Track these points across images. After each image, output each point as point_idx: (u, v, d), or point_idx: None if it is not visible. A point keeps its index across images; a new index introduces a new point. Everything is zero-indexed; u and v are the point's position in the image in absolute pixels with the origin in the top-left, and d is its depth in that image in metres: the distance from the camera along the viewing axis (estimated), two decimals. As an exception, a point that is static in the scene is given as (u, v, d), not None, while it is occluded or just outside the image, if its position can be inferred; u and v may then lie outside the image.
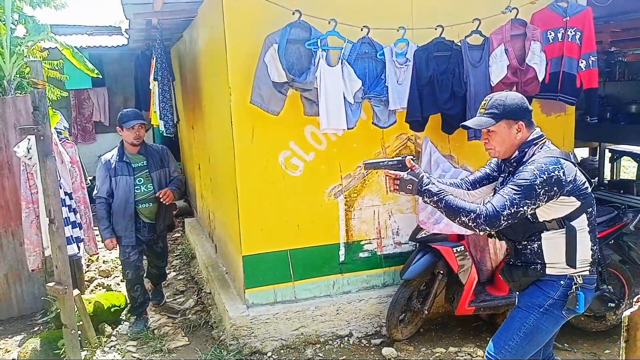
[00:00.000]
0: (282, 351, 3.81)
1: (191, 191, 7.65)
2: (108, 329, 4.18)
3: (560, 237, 2.29)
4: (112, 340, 4.08)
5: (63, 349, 3.56)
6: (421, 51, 3.74)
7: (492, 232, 2.29)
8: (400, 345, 3.80)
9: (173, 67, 6.17)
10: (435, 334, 4.00)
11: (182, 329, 4.22)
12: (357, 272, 4.12)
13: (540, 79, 3.96)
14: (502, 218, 2.16)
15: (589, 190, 2.28)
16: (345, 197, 3.99)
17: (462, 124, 2.58)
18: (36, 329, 4.46)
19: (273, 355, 3.77)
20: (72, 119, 9.50)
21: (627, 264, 4.06)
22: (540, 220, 2.29)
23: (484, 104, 2.41)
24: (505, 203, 2.16)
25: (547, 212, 2.26)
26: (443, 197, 2.26)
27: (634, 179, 8.54)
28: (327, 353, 3.80)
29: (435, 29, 3.79)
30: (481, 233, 2.24)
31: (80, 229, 4.12)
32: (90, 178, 6.20)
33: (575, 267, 2.31)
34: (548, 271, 2.35)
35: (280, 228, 3.87)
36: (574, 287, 2.31)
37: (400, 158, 2.60)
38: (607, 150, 8.76)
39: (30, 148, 3.49)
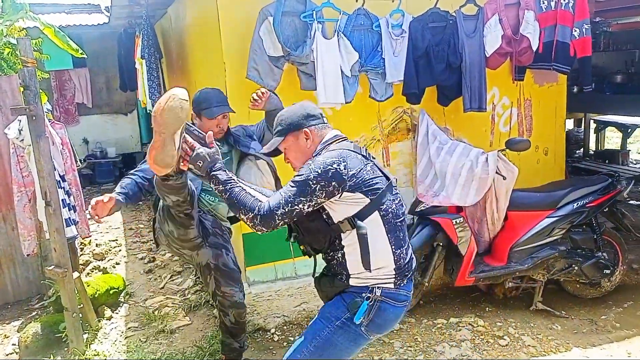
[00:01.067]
0: (285, 327, 3.83)
1: (181, 172, 7.56)
2: (108, 311, 4.15)
3: (357, 242, 2.04)
4: (112, 323, 4.06)
5: (65, 333, 3.53)
6: (416, 22, 3.70)
7: (267, 232, 1.99)
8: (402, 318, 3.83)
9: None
10: (435, 305, 4.05)
11: (183, 309, 4.20)
12: (355, 247, 4.12)
13: (534, 48, 3.96)
14: (276, 217, 1.93)
15: (381, 186, 2.02)
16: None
17: (262, 151, 2.48)
18: (34, 313, 4.41)
19: (276, 332, 3.78)
20: (54, 101, 9.27)
21: (620, 231, 4.14)
22: (335, 221, 2.04)
23: (274, 124, 2.25)
24: (280, 201, 1.95)
25: (337, 210, 2.02)
26: (230, 187, 1.99)
27: (619, 149, 8.68)
28: (329, 327, 3.83)
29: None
30: (259, 232, 1.98)
31: (75, 212, 4.05)
32: (80, 159, 6.08)
33: (371, 273, 2.05)
34: (351, 282, 2.07)
35: (278, 205, 3.85)
36: (363, 295, 2.03)
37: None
38: (592, 121, 8.88)
39: (21, 129, 3.40)
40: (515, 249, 3.83)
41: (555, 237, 3.83)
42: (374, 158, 2.16)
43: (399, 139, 4.11)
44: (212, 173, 2.01)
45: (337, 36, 3.52)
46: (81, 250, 5.42)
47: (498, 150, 3.71)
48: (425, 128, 3.90)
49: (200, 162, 2.02)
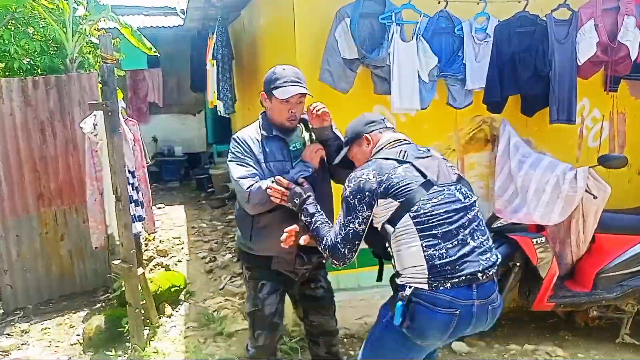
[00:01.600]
0: (345, 340, 3.68)
1: (244, 173, 7.59)
2: (168, 309, 4.17)
3: (396, 242, 2.03)
4: (172, 321, 4.06)
5: (127, 327, 3.55)
6: (503, 26, 3.46)
7: (342, 264, 2.08)
8: (471, 340, 3.59)
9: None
10: (509, 329, 3.77)
11: (241, 312, 4.15)
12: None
13: (633, 57, 3.61)
14: (339, 245, 2.03)
15: (412, 187, 1.97)
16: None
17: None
18: (98, 305, 4.50)
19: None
20: (128, 99, 9.62)
21: None
22: (377, 227, 2.08)
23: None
24: (336, 229, 2.07)
25: (377, 217, 2.05)
26: (315, 219, 2.18)
27: None
28: (391, 344, 3.64)
29: (519, 2, 3.51)
30: (337, 265, 2.09)
31: (142, 208, 4.09)
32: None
33: (404, 272, 2.01)
34: (397, 280, 2.08)
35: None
36: (400, 294, 1.99)
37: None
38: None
39: (96, 124, 3.46)
40: (602, 275, 3.49)
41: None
42: (423, 157, 2.13)
43: (476, 149, 3.86)
44: (304, 206, 2.22)
45: (416, 39, 3.34)
46: (145, 246, 5.52)
47: (589, 167, 3.40)
48: (507, 139, 3.63)
49: (296, 199, 2.26)
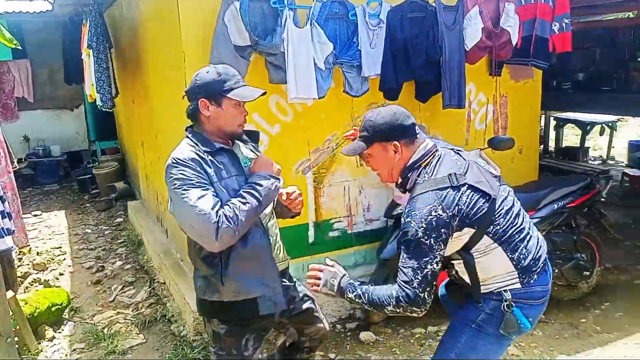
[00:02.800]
0: (252, 343, 3.49)
1: (132, 171, 7.06)
2: (49, 331, 3.69)
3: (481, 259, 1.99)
4: (55, 344, 3.60)
5: (-3, 360, 3.06)
6: (395, 12, 3.45)
7: (424, 310, 1.88)
8: (377, 328, 3.59)
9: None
10: (412, 314, 3.82)
11: (136, 325, 3.79)
12: (327, 253, 3.83)
13: (514, 42, 3.79)
14: (418, 291, 1.83)
15: (483, 210, 1.90)
16: (314, 174, 3.68)
17: (342, 151, 2.23)
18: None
19: (242, 349, 3.44)
20: (-11, 95, 8.52)
21: (597, 231, 4.04)
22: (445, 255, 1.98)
23: (360, 125, 2.10)
24: (411, 276, 1.84)
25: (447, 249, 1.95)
26: (367, 288, 1.95)
27: (578, 146, 8.79)
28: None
29: (409, -12, 3.50)
30: (415, 315, 1.90)
31: (10, 219, 3.56)
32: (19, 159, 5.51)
33: (487, 285, 2.00)
34: (481, 287, 2.03)
35: (244, 209, 3.50)
36: (504, 304, 1.97)
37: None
38: (552, 118, 8.96)
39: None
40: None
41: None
42: (467, 171, 1.94)
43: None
44: (347, 296, 1.98)
45: (310, 25, 3.21)
46: (19, 261, 4.89)
47: (480, 149, 3.50)
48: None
49: (332, 291, 2.01)
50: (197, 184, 1.92)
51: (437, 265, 1.86)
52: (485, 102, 4.26)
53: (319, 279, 2.04)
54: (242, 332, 2.16)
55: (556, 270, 3.70)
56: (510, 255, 1.96)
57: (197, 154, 2.01)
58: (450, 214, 1.85)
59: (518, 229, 1.99)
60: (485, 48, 3.74)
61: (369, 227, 3.96)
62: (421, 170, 1.97)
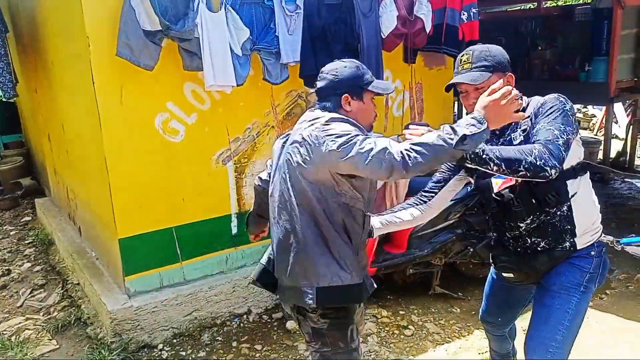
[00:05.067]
0: (174, 341, 3.39)
1: (40, 166, 6.58)
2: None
3: (583, 191, 2.00)
4: (-47, 358, 3.30)
5: None
6: (311, -2, 3.41)
7: (555, 173, 1.73)
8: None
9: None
10: (338, 299, 3.86)
11: (48, 331, 3.55)
12: (251, 244, 3.77)
13: (428, 30, 3.89)
14: (562, 148, 1.76)
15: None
16: (234, 163, 3.60)
17: (451, 83, 2.04)
18: None
19: (165, 347, 3.33)
20: None
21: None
22: (567, 166, 1.91)
23: (468, 58, 1.99)
24: (555, 133, 1.77)
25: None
26: (492, 146, 1.81)
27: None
28: (226, 335, 3.46)
29: (324, -26, 3.48)
30: (543, 178, 1.73)
31: None
32: None
33: (594, 226, 2.05)
34: (578, 243, 2.00)
35: (162, 203, 3.37)
36: (603, 252, 2.05)
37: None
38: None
39: None
40: (415, 235, 3.74)
41: (451, 221, 3.82)
42: None
43: (294, 124, 3.80)
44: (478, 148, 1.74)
45: (225, 9, 3.11)
46: None
47: (397, 135, 3.59)
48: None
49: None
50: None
51: (572, 140, 1.83)
52: (402, 89, 4.37)
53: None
54: (347, 323, 2.03)
55: (471, 250, 3.89)
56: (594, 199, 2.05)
57: None
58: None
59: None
60: (401, 35, 3.82)
61: (292, 215, 3.94)
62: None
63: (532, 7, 8.02)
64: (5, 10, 5.16)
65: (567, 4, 8.92)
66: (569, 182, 1.94)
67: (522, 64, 6.79)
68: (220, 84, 3.14)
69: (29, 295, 4.14)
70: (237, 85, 3.24)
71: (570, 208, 1.97)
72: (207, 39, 3.03)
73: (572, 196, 1.96)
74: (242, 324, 3.58)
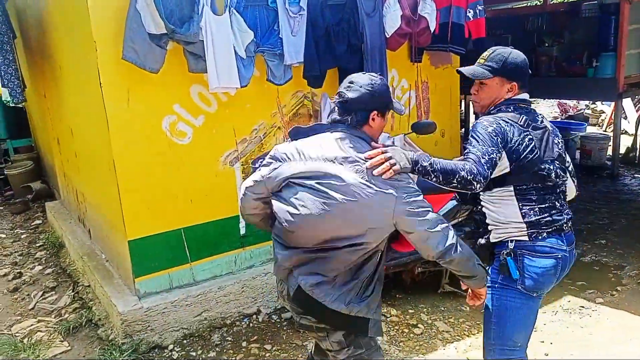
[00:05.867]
0: (185, 341, 3.41)
1: (49, 170, 6.65)
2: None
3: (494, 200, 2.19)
4: (-33, 360, 3.34)
5: None
6: (314, -1, 3.43)
7: (480, 187, 1.98)
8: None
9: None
10: (346, 298, 3.87)
11: (60, 333, 3.58)
12: (259, 244, 3.80)
13: (432, 29, 3.89)
14: (486, 167, 1.98)
15: (528, 159, 2.08)
16: (242, 164, 3.61)
17: (458, 69, 2.34)
18: None
19: (175, 348, 3.35)
20: None
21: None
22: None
23: (486, 55, 2.19)
24: (478, 154, 1.99)
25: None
26: (434, 159, 1.95)
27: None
28: (235, 335, 3.48)
29: (326, -25, 3.49)
30: (470, 190, 1.98)
31: None
32: None
33: (502, 226, 2.18)
34: (492, 238, 2.24)
35: (170, 205, 3.40)
36: (503, 252, 2.16)
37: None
38: (471, 102, 9.36)
39: None
40: (423, 233, 3.75)
41: (460, 219, 3.82)
42: (539, 128, 2.14)
43: (301, 125, 3.83)
44: (422, 164, 1.92)
45: (229, 12, 3.13)
46: None
47: (404, 134, 3.59)
48: (329, 113, 3.65)
49: (407, 165, 1.90)
50: None
51: (497, 160, 2.00)
52: (408, 88, 4.36)
53: (387, 160, 1.86)
54: None
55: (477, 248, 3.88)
56: (521, 208, 2.11)
57: None
58: (510, 137, 2.04)
59: (540, 193, 2.12)
60: (405, 35, 3.82)
61: (300, 215, 3.95)
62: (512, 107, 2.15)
63: (538, 3, 8.00)
64: (13, 16, 5.24)
65: (574, 0, 8.87)
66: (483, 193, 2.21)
67: (529, 61, 6.76)
68: (224, 85, 3.16)
69: (41, 298, 4.18)
70: (241, 87, 3.26)
71: (481, 209, 2.26)
72: (212, 42, 3.05)
73: (482, 201, 2.23)
74: (251, 324, 3.60)
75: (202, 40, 3.07)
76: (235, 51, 3.18)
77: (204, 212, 3.52)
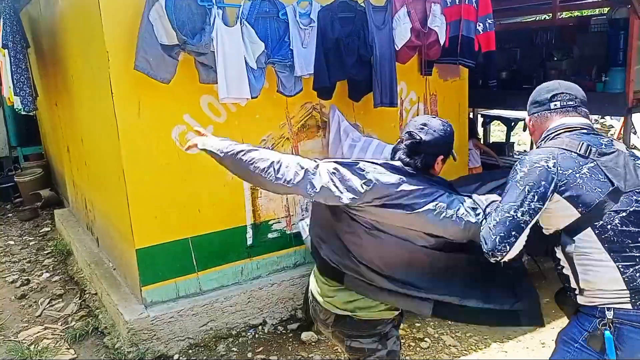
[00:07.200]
0: (190, 351, 3.40)
1: (59, 178, 6.70)
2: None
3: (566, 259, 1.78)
4: (-26, 366, 3.35)
5: None
6: (325, 11, 3.45)
7: (501, 258, 1.71)
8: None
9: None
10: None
11: (66, 340, 3.59)
12: (266, 255, 3.80)
13: (442, 42, 3.90)
14: (497, 242, 1.69)
15: (596, 197, 1.67)
16: (250, 175, 3.62)
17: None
18: None
19: (181, 357, 3.35)
20: None
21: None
22: (545, 229, 1.81)
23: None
24: (492, 215, 1.77)
25: (546, 217, 1.76)
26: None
27: (504, 141, 9.22)
28: (241, 346, 3.47)
29: (337, -13, 3.52)
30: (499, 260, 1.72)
31: None
32: None
33: (595, 292, 1.75)
34: (579, 300, 1.80)
35: (178, 214, 3.41)
36: (599, 323, 1.73)
37: None
38: (479, 115, 9.36)
39: None
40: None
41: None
42: (605, 154, 1.74)
43: (309, 136, 3.84)
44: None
45: (240, 24, 3.16)
46: None
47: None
48: (337, 125, 3.67)
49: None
50: None
51: (522, 217, 1.66)
52: (417, 101, 4.37)
53: None
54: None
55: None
56: (621, 269, 1.68)
57: None
58: (560, 171, 1.69)
59: (634, 243, 1.69)
60: (415, 48, 3.84)
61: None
62: (549, 139, 1.85)
63: (547, 17, 7.98)
64: (26, 25, 5.32)
65: (583, 14, 8.87)
66: (555, 248, 1.79)
67: (537, 75, 6.75)
68: (234, 96, 3.18)
69: (48, 305, 4.20)
70: (252, 98, 3.27)
71: (562, 269, 1.82)
72: (223, 53, 3.08)
73: (559, 260, 1.80)
74: (257, 335, 3.59)
75: (213, 51, 3.09)
76: (246, 62, 3.20)
77: (212, 221, 3.53)
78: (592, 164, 1.71)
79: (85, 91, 3.97)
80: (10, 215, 6.82)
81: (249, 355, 3.38)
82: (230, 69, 3.14)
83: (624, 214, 1.68)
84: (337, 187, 1.84)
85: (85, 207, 4.91)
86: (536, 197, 1.68)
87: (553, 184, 1.69)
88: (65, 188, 6.11)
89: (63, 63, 4.51)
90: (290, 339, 3.54)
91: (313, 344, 3.47)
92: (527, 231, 1.68)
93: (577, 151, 1.73)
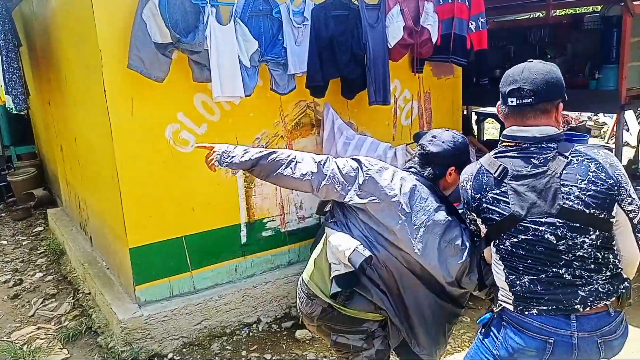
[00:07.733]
0: (184, 350, 3.40)
1: (52, 177, 6.66)
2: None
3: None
4: (-33, 367, 3.33)
5: None
6: (319, 9, 3.45)
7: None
8: (313, 326, 3.59)
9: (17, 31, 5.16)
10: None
11: (59, 340, 3.58)
12: (260, 253, 3.81)
13: (434, 40, 3.91)
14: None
15: (495, 221, 1.74)
16: (244, 173, 3.62)
17: None
18: None
19: (175, 356, 3.34)
20: None
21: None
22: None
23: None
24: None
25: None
26: None
27: (498, 139, 9.25)
28: (235, 344, 3.47)
29: (331, -14, 3.52)
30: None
31: None
32: None
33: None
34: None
35: (172, 213, 3.40)
36: (495, 308, 1.87)
37: None
38: (473, 113, 9.38)
39: None
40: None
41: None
42: (525, 177, 1.70)
43: (303, 134, 3.84)
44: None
45: (234, 22, 3.16)
46: None
47: (406, 144, 3.60)
48: (331, 123, 3.67)
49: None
50: None
51: (470, 225, 1.96)
52: (410, 99, 4.38)
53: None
54: None
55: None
56: (507, 275, 1.78)
57: None
58: (474, 195, 1.80)
59: (528, 262, 1.73)
60: (408, 46, 3.84)
61: (302, 224, 3.95)
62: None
63: (540, 15, 8.01)
64: (19, 24, 5.28)
65: (576, 12, 8.91)
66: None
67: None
68: (228, 94, 3.18)
69: (41, 305, 4.18)
70: (246, 96, 3.27)
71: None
72: (216, 51, 3.07)
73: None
74: (251, 333, 3.59)
75: (207, 50, 3.09)
76: (240, 60, 3.20)
77: (206, 220, 3.52)
78: (498, 190, 1.74)
79: (78, 90, 3.95)
80: (3, 214, 6.79)
81: (243, 353, 3.38)
82: (223, 67, 3.14)
83: (515, 240, 1.74)
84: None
85: (79, 206, 4.89)
86: (468, 211, 1.89)
87: (470, 206, 1.84)
88: (58, 187, 6.08)
89: (56, 62, 4.48)
90: (285, 337, 3.55)
91: (307, 341, 3.47)
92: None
93: (493, 174, 1.75)
